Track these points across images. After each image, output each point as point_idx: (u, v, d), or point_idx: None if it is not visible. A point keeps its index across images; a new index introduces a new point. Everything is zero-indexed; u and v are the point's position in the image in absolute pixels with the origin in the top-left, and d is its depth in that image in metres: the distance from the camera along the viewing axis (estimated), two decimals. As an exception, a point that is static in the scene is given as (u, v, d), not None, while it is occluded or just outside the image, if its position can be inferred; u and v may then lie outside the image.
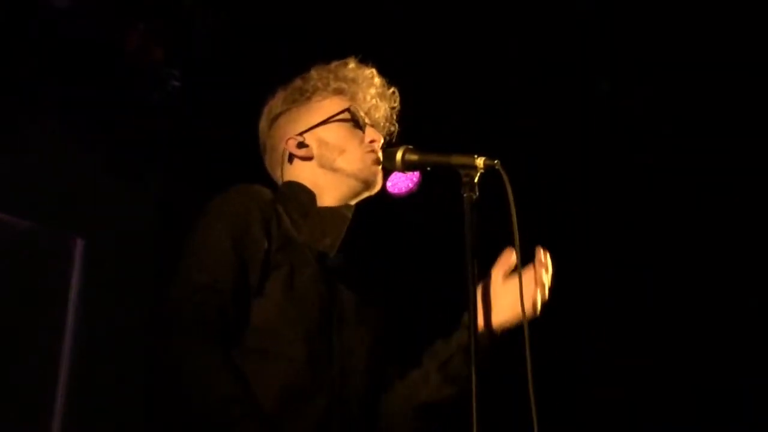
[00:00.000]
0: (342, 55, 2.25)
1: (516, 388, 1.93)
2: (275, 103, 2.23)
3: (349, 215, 2.11)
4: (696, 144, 4.08)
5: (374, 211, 2.23)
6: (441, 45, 3.86)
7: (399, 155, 2.03)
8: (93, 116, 3.53)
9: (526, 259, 1.88)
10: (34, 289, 3.41)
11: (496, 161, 1.90)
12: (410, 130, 2.27)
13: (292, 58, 3.46)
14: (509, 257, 2.02)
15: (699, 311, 4.20)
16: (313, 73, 2.22)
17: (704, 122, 4.02)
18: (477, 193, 1.89)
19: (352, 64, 2.22)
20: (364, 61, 2.25)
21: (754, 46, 3.72)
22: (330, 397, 1.89)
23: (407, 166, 2.03)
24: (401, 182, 2.95)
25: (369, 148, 2.13)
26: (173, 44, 3.48)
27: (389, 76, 2.27)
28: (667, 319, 4.28)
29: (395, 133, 2.26)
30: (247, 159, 2.34)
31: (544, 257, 2.00)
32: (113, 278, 3.59)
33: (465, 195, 1.89)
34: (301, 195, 2.10)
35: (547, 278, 2.00)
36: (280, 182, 2.18)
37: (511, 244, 1.90)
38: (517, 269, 1.92)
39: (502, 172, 1.89)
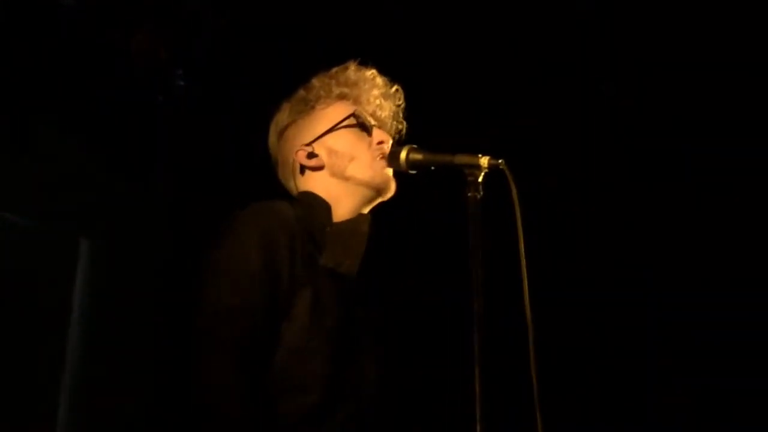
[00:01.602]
0: (344, 54, 2.25)
1: (519, 389, 1.94)
2: (281, 116, 2.23)
3: (366, 228, 2.09)
4: (695, 145, 4.08)
5: (375, 211, 2.24)
6: (442, 45, 3.86)
7: (403, 155, 2.04)
8: (97, 116, 3.53)
9: (530, 258, 1.89)
10: (37, 288, 3.40)
11: (500, 161, 1.90)
12: (413, 129, 2.27)
13: (296, 58, 3.49)
14: None
15: (700, 311, 4.19)
16: (315, 81, 2.22)
17: (705, 123, 4.02)
18: (481, 193, 1.89)
19: (352, 68, 2.22)
20: (365, 61, 2.24)
21: (755, 46, 3.73)
22: (346, 418, 1.90)
23: (412, 166, 2.04)
24: None
25: (378, 151, 2.13)
26: (177, 44, 3.49)
27: (391, 76, 2.28)
28: (666, 319, 4.28)
29: (404, 131, 2.26)
30: (252, 159, 2.35)
31: None
32: (117, 278, 3.59)
33: (469, 194, 1.89)
34: (319, 208, 2.09)
35: None
36: (294, 194, 2.18)
37: (516, 243, 1.90)
38: (521, 269, 1.92)
39: (507, 172, 1.89)
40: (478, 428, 1.74)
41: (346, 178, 2.12)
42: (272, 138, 2.25)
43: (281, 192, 2.23)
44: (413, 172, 2.05)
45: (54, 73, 3.40)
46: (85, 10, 3.34)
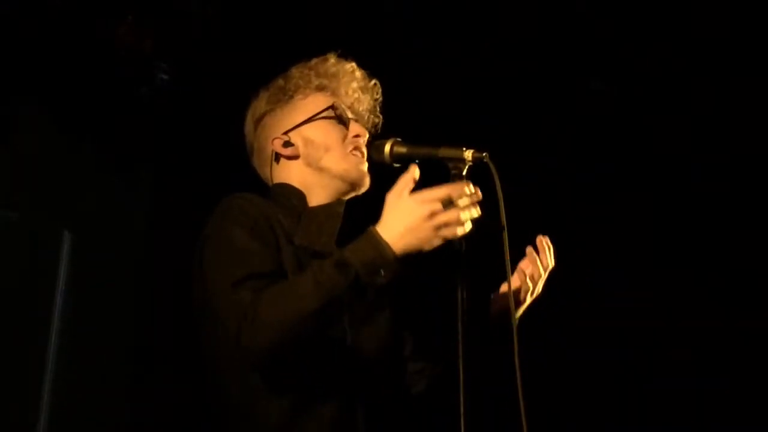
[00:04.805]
0: (337, 48, 2.26)
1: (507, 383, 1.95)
2: (259, 104, 2.25)
3: (341, 211, 2.13)
4: (689, 143, 4.10)
5: (363, 201, 2.25)
6: (434, 42, 3.86)
7: (387, 147, 2.04)
8: (81, 108, 3.52)
9: (514, 249, 1.90)
10: (20, 281, 3.39)
11: (484, 153, 1.90)
12: (402, 125, 2.27)
13: (283, 50, 3.48)
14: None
15: (699, 310, 4.20)
16: (294, 71, 2.24)
17: (699, 121, 4.03)
18: (466, 185, 1.90)
19: (332, 60, 2.23)
20: (353, 56, 2.25)
21: (751, 44, 3.74)
22: (347, 395, 1.93)
23: (396, 159, 2.04)
24: None
25: (353, 144, 2.15)
26: (162, 37, 3.48)
27: (382, 72, 2.28)
28: (663, 317, 4.29)
29: (380, 125, 2.27)
30: (236, 152, 2.35)
31: (544, 244, 2.15)
32: (100, 271, 3.59)
33: (454, 187, 1.90)
34: (292, 196, 2.12)
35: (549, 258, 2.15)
36: (269, 183, 2.21)
37: (500, 235, 1.91)
38: (505, 261, 1.92)
39: (491, 165, 1.89)
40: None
41: (320, 169, 2.14)
42: (249, 125, 2.27)
43: (261, 184, 2.25)
44: (397, 165, 2.06)
45: (38, 66, 3.39)
46: (70, 2, 3.33)
